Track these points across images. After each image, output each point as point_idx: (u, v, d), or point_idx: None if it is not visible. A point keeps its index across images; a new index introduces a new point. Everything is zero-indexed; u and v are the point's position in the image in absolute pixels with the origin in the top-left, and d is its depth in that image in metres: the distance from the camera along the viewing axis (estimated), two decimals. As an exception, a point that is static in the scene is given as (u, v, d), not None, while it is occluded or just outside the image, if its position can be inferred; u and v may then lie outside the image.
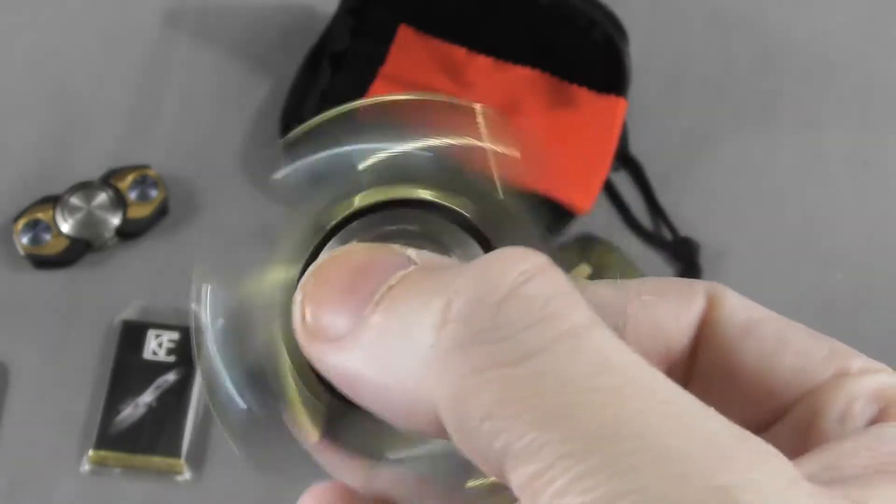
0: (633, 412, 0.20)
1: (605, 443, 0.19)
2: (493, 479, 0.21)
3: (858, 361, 0.26)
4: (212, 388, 0.25)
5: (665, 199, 0.77)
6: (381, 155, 0.25)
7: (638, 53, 0.78)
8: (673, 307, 0.27)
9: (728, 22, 0.85)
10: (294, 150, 0.25)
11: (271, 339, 0.25)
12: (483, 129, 0.26)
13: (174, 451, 0.67)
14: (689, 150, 0.80)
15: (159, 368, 0.69)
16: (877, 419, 0.25)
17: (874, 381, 0.25)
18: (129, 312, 0.71)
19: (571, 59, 0.78)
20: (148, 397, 0.68)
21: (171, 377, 0.69)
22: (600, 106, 0.77)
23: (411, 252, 0.23)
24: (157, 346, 0.70)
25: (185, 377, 0.69)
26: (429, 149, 0.25)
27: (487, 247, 0.25)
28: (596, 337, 0.21)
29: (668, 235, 0.77)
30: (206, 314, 0.25)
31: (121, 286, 0.73)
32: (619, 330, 0.24)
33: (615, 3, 0.78)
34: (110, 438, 0.67)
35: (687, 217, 0.76)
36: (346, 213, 0.25)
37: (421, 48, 0.80)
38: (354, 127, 0.26)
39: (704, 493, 0.19)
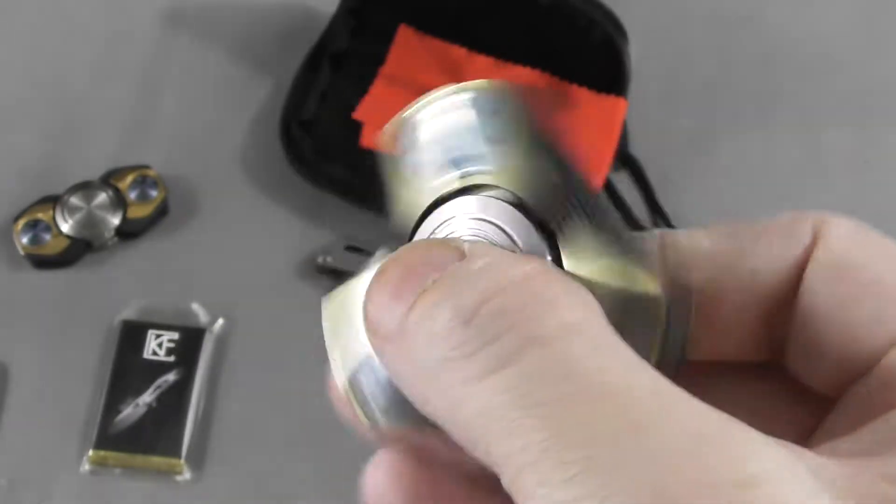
0: (597, 416, 0.20)
1: (579, 439, 0.20)
2: None
3: None
4: (370, 418, 0.25)
5: (665, 199, 0.77)
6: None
7: (638, 53, 0.78)
8: (767, 252, 0.26)
9: (728, 22, 0.85)
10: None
11: None
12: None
13: (174, 451, 0.67)
14: (689, 150, 0.80)
15: (159, 368, 0.69)
16: None
17: None
18: (129, 312, 0.71)
19: (571, 59, 0.78)
20: (148, 397, 0.68)
21: (171, 377, 0.69)
22: (600, 106, 0.77)
23: (466, 245, 0.23)
24: (157, 346, 0.70)
25: (185, 377, 0.69)
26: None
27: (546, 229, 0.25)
28: (562, 346, 0.21)
29: (668, 235, 0.77)
30: (337, 355, 0.25)
31: (121, 286, 0.73)
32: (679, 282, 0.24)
33: (615, 3, 0.78)
34: (110, 438, 0.67)
35: (687, 217, 0.76)
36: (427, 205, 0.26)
37: (421, 48, 0.80)
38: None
39: (692, 487, 0.19)
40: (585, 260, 0.24)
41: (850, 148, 0.80)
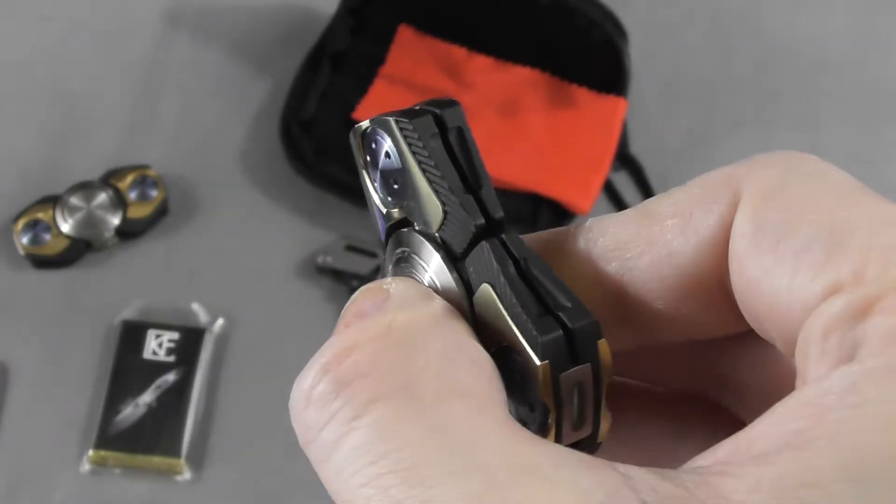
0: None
1: None
2: None
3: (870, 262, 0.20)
4: None
5: (665, 199, 0.77)
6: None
7: (638, 53, 0.78)
8: (686, 227, 0.23)
9: (728, 22, 0.85)
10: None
11: None
12: None
13: (174, 451, 0.67)
14: (688, 151, 0.80)
15: (159, 368, 0.69)
16: (847, 356, 0.20)
17: (858, 296, 0.20)
18: (129, 312, 0.71)
19: (571, 59, 0.78)
20: (148, 397, 0.68)
21: (171, 377, 0.69)
22: (600, 106, 0.77)
23: (392, 287, 0.23)
24: (157, 346, 0.70)
25: (185, 377, 0.69)
26: None
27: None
28: (377, 419, 0.21)
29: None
30: None
31: (121, 286, 0.73)
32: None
33: (615, 3, 0.78)
34: (110, 438, 0.67)
35: (687, 217, 0.76)
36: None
37: (421, 48, 0.80)
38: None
39: None
40: (490, 299, 0.23)
41: (850, 148, 0.80)
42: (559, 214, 0.75)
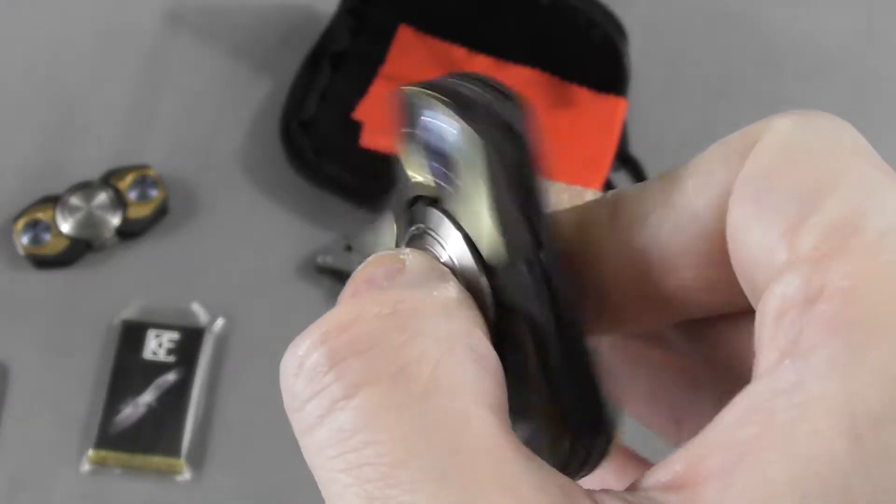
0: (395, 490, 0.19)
1: None
2: None
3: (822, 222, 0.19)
4: None
5: (665, 199, 0.77)
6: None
7: (638, 53, 0.78)
8: (710, 183, 0.22)
9: (728, 22, 0.85)
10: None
11: None
12: None
13: (174, 451, 0.67)
14: (689, 150, 0.79)
15: (159, 368, 0.69)
16: (794, 344, 0.19)
17: (814, 274, 0.19)
18: (129, 312, 0.71)
19: (571, 59, 0.78)
20: (148, 397, 0.68)
21: (171, 377, 0.69)
22: (600, 106, 0.77)
23: (407, 256, 0.23)
24: (157, 346, 0.70)
25: (185, 377, 0.69)
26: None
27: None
28: (350, 410, 0.20)
29: (668, 235, 0.77)
30: None
31: (121, 286, 0.73)
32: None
33: (615, 3, 0.78)
34: (110, 438, 0.67)
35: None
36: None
37: (421, 48, 0.80)
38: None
39: None
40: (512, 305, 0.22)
41: (850, 148, 0.80)
42: (559, 214, 0.75)
